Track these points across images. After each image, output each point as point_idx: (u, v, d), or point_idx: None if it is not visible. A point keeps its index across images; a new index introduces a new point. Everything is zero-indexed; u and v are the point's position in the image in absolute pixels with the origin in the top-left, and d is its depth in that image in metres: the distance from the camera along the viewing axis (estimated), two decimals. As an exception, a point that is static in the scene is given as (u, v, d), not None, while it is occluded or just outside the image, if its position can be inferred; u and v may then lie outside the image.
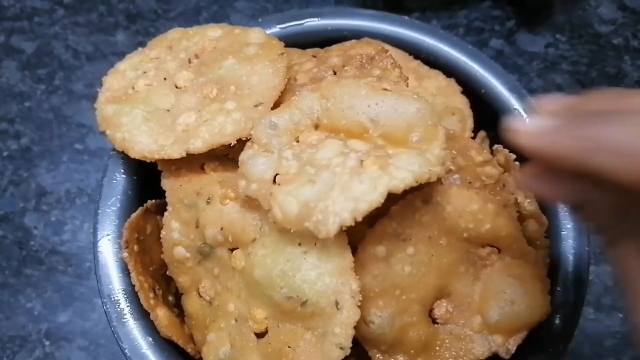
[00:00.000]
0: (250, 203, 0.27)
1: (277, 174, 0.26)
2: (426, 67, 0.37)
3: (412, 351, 0.27)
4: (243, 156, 0.27)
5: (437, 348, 0.27)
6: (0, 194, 0.45)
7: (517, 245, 0.27)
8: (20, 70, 0.49)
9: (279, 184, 0.25)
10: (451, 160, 0.28)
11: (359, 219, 0.23)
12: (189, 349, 0.30)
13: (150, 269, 0.31)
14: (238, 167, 0.32)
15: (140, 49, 0.34)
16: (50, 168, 0.46)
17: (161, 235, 0.30)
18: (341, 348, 0.24)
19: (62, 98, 0.48)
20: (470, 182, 0.28)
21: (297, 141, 0.27)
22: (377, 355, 0.27)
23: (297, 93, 0.31)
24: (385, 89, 0.26)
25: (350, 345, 0.24)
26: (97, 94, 0.32)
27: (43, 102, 0.48)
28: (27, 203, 0.45)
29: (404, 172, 0.23)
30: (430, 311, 0.27)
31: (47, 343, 0.41)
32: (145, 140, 0.30)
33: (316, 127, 0.28)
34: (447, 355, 0.27)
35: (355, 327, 0.26)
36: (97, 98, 0.32)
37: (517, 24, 0.53)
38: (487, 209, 0.27)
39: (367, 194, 0.23)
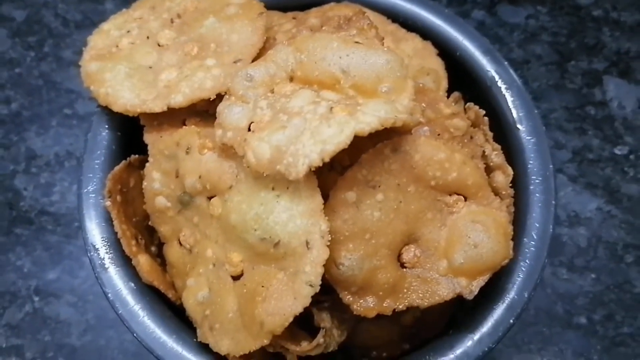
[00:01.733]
0: (227, 152, 0.28)
1: (252, 123, 0.27)
2: (403, 30, 0.38)
3: (381, 293, 0.28)
4: (220, 107, 0.28)
5: (405, 290, 0.28)
6: (-9, 157, 0.46)
7: (482, 193, 0.29)
8: (10, 37, 0.50)
9: (253, 132, 0.26)
10: (421, 112, 0.29)
11: (327, 160, 0.24)
12: (170, 294, 0.31)
13: (133, 219, 0.32)
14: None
15: (124, 10, 0.35)
16: (40, 132, 0.47)
17: (143, 186, 0.31)
18: (311, 285, 0.25)
19: (51, 65, 0.49)
20: (439, 135, 0.29)
21: (272, 92, 0.28)
22: (348, 297, 0.28)
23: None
24: (357, 42, 0.27)
25: (320, 282, 0.25)
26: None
27: (33, 69, 0.49)
28: (17, 166, 0.46)
29: (370, 116, 0.24)
30: (399, 256, 0.29)
31: (37, 299, 0.42)
32: (127, 95, 0.31)
33: (291, 79, 0.29)
34: (414, 297, 0.28)
35: (326, 270, 0.27)
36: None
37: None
38: (454, 159, 0.28)
39: (335, 137, 0.24)
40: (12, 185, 0.45)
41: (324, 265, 0.25)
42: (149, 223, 0.32)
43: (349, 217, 0.27)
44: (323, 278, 0.26)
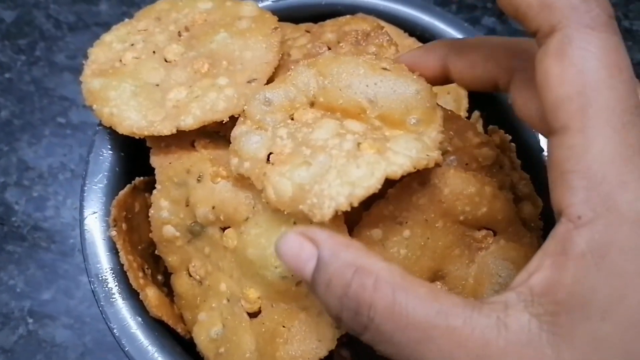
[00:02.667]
0: (243, 181, 0.27)
1: (270, 153, 0.25)
2: (420, 45, 0.36)
3: None
4: (235, 132, 0.27)
5: None
6: (-20, 168, 0.44)
7: (513, 228, 0.27)
8: (-1, 39, 0.48)
9: (272, 164, 0.24)
10: (448, 140, 0.28)
11: (355, 204, 0.22)
12: (179, 328, 0.29)
13: (139, 247, 0.30)
14: (229, 144, 0.31)
15: (126, 19, 0.33)
16: (32, 142, 0.45)
17: (150, 214, 0.29)
18: (337, 327, 0.24)
19: (43, 70, 0.47)
20: (467, 164, 0.28)
21: (292, 119, 0.27)
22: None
23: (291, 68, 0.31)
24: (385, 69, 0.26)
25: None
26: (80, 65, 0.31)
27: (24, 74, 0.46)
28: (8, 178, 0.43)
29: (401, 157, 0.23)
30: None
31: (31, 321, 0.40)
32: (134, 115, 0.29)
33: (312, 104, 0.27)
34: None
35: None
36: (81, 70, 0.31)
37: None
38: (484, 192, 0.26)
39: (365, 180, 0.22)
40: (3, 199, 0.43)
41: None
42: (155, 251, 0.31)
43: None
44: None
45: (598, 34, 0.17)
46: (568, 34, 0.17)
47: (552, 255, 0.17)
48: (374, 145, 0.23)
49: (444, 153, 0.27)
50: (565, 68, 0.17)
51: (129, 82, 0.30)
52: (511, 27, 0.51)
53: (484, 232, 0.27)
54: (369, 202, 0.26)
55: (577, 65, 0.17)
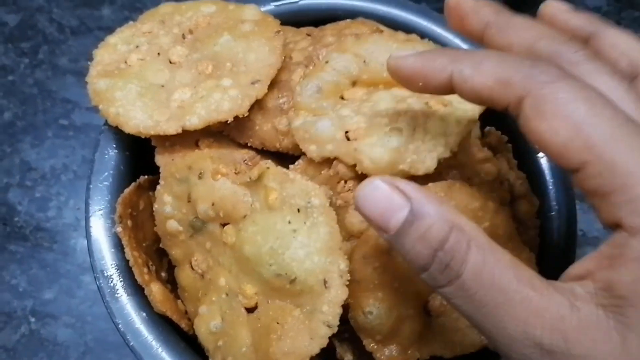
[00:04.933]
0: (241, 179, 0.27)
1: (347, 131, 0.27)
2: (420, 49, 0.37)
3: (406, 342, 0.27)
4: (296, 123, 0.28)
5: (429, 340, 0.28)
6: (-17, 169, 0.44)
7: (512, 244, 0.28)
8: (2, 43, 0.48)
9: (355, 139, 0.27)
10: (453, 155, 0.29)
11: (455, 149, 0.26)
12: (183, 324, 0.30)
13: (144, 244, 0.31)
14: (232, 144, 0.32)
15: (131, 22, 0.34)
16: (35, 143, 0.45)
17: (154, 209, 0.30)
18: (329, 326, 0.25)
19: (46, 72, 0.47)
20: (469, 178, 0.28)
21: (343, 98, 0.29)
22: (372, 345, 0.27)
23: (292, 71, 0.31)
24: (407, 40, 0.29)
25: (338, 323, 0.25)
26: (83, 68, 0.31)
27: (27, 77, 0.47)
28: (11, 178, 0.44)
29: (467, 104, 0.25)
30: (426, 303, 0.28)
31: (33, 320, 0.40)
32: (140, 115, 0.30)
33: (354, 84, 0.29)
34: (437, 347, 0.27)
35: (352, 317, 0.27)
36: (83, 73, 0.31)
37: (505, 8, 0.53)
38: (488, 207, 0.27)
39: (455, 127, 0.25)
40: (5, 199, 0.43)
41: (342, 306, 0.25)
42: (160, 246, 0.31)
43: (379, 265, 0.26)
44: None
45: (559, 84, 0.19)
46: (536, 96, 0.19)
47: (610, 258, 0.18)
48: (438, 102, 0.26)
49: (447, 167, 0.28)
50: (550, 119, 0.18)
51: (134, 82, 0.31)
52: (506, 33, 0.52)
53: None
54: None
55: (559, 112, 0.18)
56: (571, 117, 0.18)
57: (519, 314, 0.18)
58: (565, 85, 0.18)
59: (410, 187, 0.20)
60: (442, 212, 0.19)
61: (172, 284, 0.32)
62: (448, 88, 0.21)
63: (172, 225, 0.30)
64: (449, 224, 0.19)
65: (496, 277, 0.18)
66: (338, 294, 0.25)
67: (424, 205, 0.19)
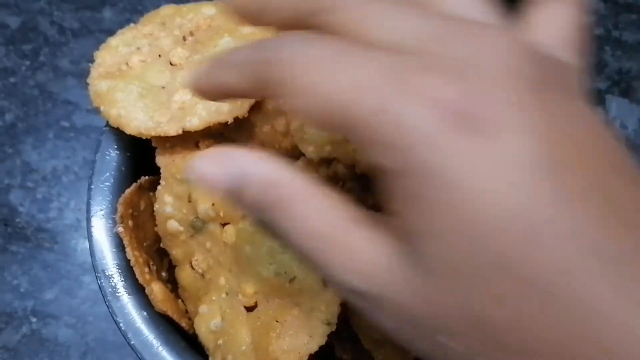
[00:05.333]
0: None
1: None
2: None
3: None
4: (295, 125, 0.28)
5: None
6: (-16, 170, 0.45)
7: None
8: (4, 45, 0.49)
9: None
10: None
11: None
12: (184, 323, 0.30)
13: (144, 244, 0.31)
14: (232, 144, 0.32)
15: (132, 24, 0.34)
16: (36, 145, 0.45)
17: (155, 209, 0.30)
18: (328, 324, 0.25)
19: (47, 74, 0.48)
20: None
21: None
22: (370, 344, 0.27)
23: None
24: None
25: (336, 321, 0.25)
26: (84, 70, 0.32)
27: (28, 78, 0.47)
28: (13, 180, 0.44)
29: None
30: None
31: (34, 320, 0.40)
32: (141, 116, 0.30)
33: None
34: None
35: (350, 317, 0.27)
36: (84, 75, 0.31)
37: (503, 12, 0.54)
38: None
39: None
40: (7, 200, 0.43)
41: (341, 305, 0.25)
42: (161, 245, 0.31)
43: None
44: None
45: None
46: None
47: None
48: None
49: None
50: None
51: (135, 84, 0.31)
52: (504, 36, 0.53)
53: None
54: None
55: None
56: None
57: (337, 260, 0.17)
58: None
59: (237, 152, 0.19)
60: (263, 169, 0.19)
61: (172, 284, 0.32)
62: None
63: (173, 225, 0.30)
64: (263, 184, 0.18)
65: (315, 225, 0.18)
66: (337, 292, 0.25)
67: (247, 165, 0.19)
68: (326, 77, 0.16)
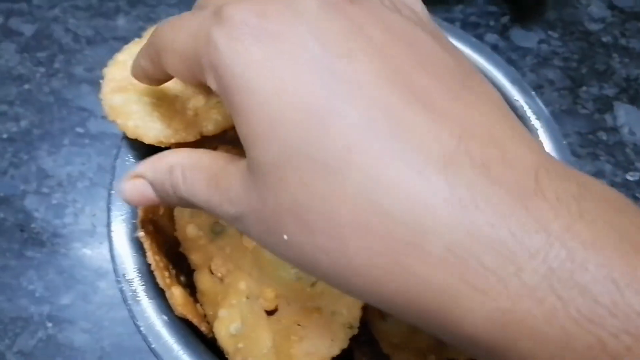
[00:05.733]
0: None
1: None
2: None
3: (422, 345, 0.28)
4: None
5: (445, 343, 0.28)
6: (0, 176, 0.45)
7: None
8: (19, 52, 0.49)
9: None
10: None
11: None
12: (203, 327, 0.30)
13: (164, 249, 0.32)
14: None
15: (136, 39, 0.34)
16: (51, 151, 0.46)
17: (174, 214, 0.31)
18: (350, 327, 0.25)
19: (62, 81, 0.48)
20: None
21: None
22: (389, 349, 0.28)
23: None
24: None
25: (358, 324, 0.25)
26: (98, 77, 0.32)
27: (43, 85, 0.48)
28: (28, 186, 0.45)
29: None
30: None
31: (50, 325, 0.41)
32: (158, 125, 0.30)
33: None
34: (452, 350, 0.28)
35: (370, 321, 0.27)
36: (98, 82, 0.32)
37: (511, 19, 0.54)
38: None
39: None
40: (22, 206, 0.44)
41: (362, 308, 0.25)
42: (180, 250, 0.32)
43: None
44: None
45: None
46: None
47: None
48: None
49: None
50: None
51: (149, 95, 0.31)
52: (513, 44, 0.53)
53: None
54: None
55: None
56: None
57: (219, 200, 0.20)
58: None
59: (141, 166, 0.24)
60: (152, 167, 0.23)
61: (190, 288, 0.32)
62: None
63: (192, 230, 0.30)
64: (160, 171, 0.23)
65: (197, 189, 0.21)
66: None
67: (145, 170, 0.24)
68: (169, 34, 0.21)
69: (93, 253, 0.43)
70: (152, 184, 0.23)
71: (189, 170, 0.21)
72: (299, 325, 0.26)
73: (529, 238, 0.14)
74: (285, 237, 0.17)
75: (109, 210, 0.31)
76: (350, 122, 0.16)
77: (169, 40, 0.21)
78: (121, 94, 0.31)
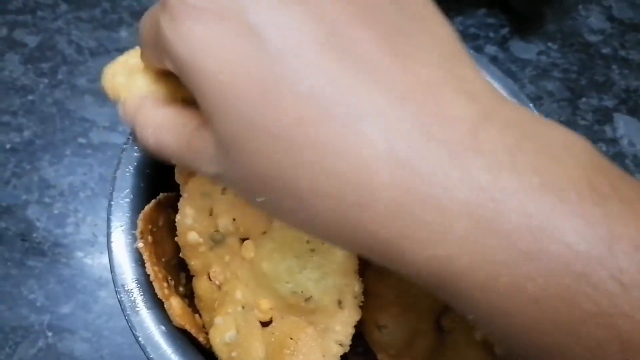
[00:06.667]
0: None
1: None
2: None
3: (419, 357, 0.28)
4: None
5: (442, 355, 0.28)
6: (3, 186, 0.45)
7: None
8: (23, 63, 0.50)
9: None
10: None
11: None
12: (201, 338, 0.30)
13: (163, 260, 0.32)
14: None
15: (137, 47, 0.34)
16: (54, 161, 0.46)
17: (176, 219, 0.31)
18: (340, 345, 0.25)
19: (65, 92, 0.49)
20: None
21: None
22: (386, 359, 0.28)
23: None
24: None
25: (350, 343, 0.25)
26: (101, 89, 0.32)
27: (46, 96, 0.48)
28: (30, 195, 0.45)
29: None
30: (438, 319, 0.29)
31: (50, 334, 0.41)
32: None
33: None
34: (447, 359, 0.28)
35: (367, 332, 0.27)
36: (100, 93, 0.32)
37: (510, 31, 0.54)
38: None
39: None
40: (24, 215, 0.44)
41: (355, 326, 0.25)
42: (180, 256, 0.32)
43: (396, 282, 0.27)
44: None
45: None
46: None
47: None
48: None
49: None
50: None
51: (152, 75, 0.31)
52: (513, 55, 0.53)
53: None
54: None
55: None
56: None
57: (195, 158, 0.21)
58: None
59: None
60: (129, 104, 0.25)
61: (189, 299, 0.32)
62: None
63: (193, 237, 0.31)
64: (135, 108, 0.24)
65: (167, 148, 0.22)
66: (351, 314, 0.25)
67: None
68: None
69: (94, 263, 0.43)
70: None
71: (158, 129, 0.23)
72: (291, 339, 0.27)
73: (459, 192, 0.15)
74: (258, 200, 0.19)
75: (108, 220, 0.32)
76: (298, 92, 0.16)
77: (141, 34, 0.22)
78: (124, 76, 0.31)
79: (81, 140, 0.47)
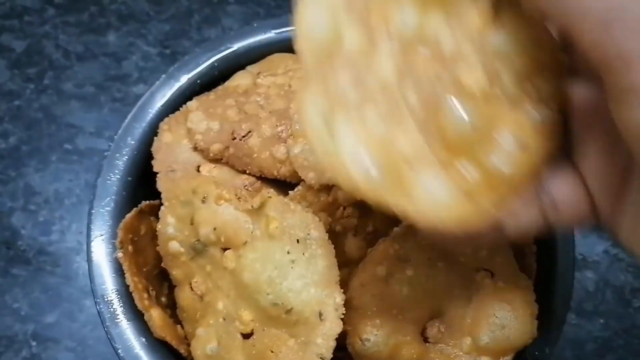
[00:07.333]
0: (244, 206, 0.28)
1: None
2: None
3: None
4: (295, 151, 0.28)
5: None
6: (-12, 193, 0.45)
7: (510, 270, 0.28)
8: (9, 68, 0.49)
9: None
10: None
11: None
12: (182, 349, 0.30)
13: (144, 269, 0.31)
14: (232, 169, 0.32)
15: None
16: (39, 168, 0.46)
17: (157, 228, 0.30)
18: (322, 358, 0.25)
19: (51, 97, 0.48)
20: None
21: None
22: None
23: (290, 99, 0.32)
24: None
25: (331, 356, 0.25)
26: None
27: (32, 102, 0.48)
28: (15, 202, 0.44)
29: None
30: (423, 330, 0.28)
31: (34, 344, 0.40)
32: None
33: None
34: None
35: (350, 344, 0.27)
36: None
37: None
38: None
39: None
40: (9, 223, 0.44)
41: (336, 339, 0.25)
42: (160, 270, 0.31)
43: (378, 293, 0.26)
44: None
45: None
46: None
47: None
48: None
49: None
50: None
51: None
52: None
53: (482, 273, 0.28)
54: (374, 240, 0.27)
55: None
56: None
57: None
58: None
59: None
60: None
61: (171, 309, 0.32)
62: None
63: (174, 246, 0.30)
64: None
65: None
66: (333, 327, 0.25)
67: None
68: None
69: (79, 271, 0.43)
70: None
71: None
72: (272, 351, 0.26)
73: None
74: None
75: (89, 229, 0.31)
76: None
77: None
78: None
79: (67, 146, 0.46)
